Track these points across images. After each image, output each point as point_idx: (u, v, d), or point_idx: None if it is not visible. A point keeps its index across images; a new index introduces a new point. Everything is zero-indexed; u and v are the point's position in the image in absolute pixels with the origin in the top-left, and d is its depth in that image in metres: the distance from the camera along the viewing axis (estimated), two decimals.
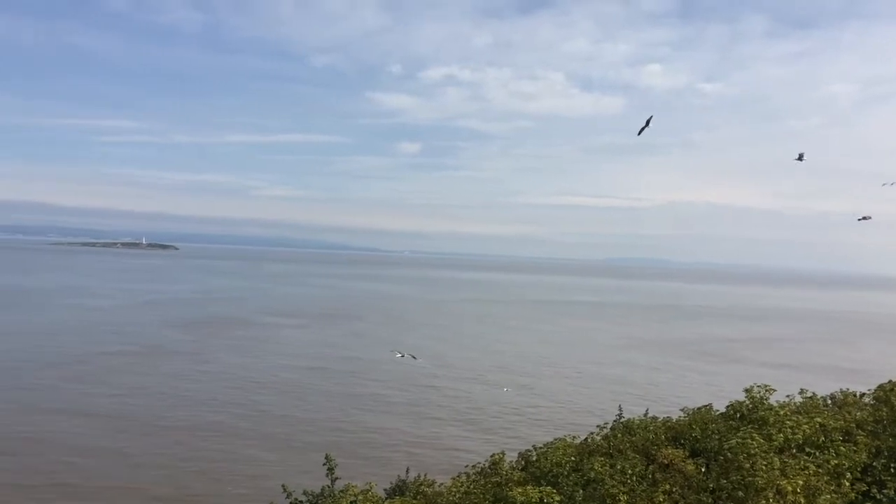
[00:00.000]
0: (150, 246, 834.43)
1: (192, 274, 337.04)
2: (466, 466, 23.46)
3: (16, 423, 58.37)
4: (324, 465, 18.33)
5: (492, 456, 23.40)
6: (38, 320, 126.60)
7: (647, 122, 34.61)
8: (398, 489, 23.53)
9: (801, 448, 18.73)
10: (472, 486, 20.82)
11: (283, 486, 17.82)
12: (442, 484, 22.77)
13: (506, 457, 23.43)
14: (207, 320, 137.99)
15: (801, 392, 24.69)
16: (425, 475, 23.34)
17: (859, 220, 43.43)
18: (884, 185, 44.32)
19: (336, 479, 18.28)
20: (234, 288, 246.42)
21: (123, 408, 65.35)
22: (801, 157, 41.81)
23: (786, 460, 17.33)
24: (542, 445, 23.56)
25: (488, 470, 22.92)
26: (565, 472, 19.35)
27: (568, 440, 23.26)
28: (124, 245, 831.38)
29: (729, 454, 17.73)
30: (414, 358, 79.15)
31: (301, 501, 18.04)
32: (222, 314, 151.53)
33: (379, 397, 76.24)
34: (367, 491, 18.01)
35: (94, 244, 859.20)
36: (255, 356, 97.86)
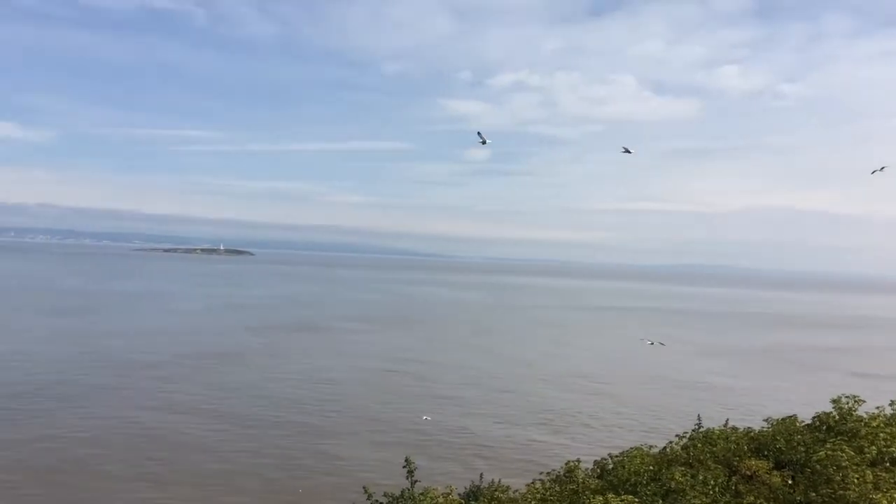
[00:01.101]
0: (228, 252, 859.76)
1: (267, 279, 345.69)
2: (541, 473, 23.29)
3: (110, 418, 61.07)
4: (403, 467, 18.56)
5: (567, 463, 23.14)
6: (129, 323, 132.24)
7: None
8: (472, 494, 23.54)
9: (894, 462, 17.96)
10: (548, 494, 20.68)
11: (364, 487, 18.10)
12: (517, 491, 22.70)
13: (581, 464, 23.19)
14: (283, 324, 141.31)
15: (892, 403, 23.64)
16: (499, 481, 23.30)
17: (873, 172, 42.66)
18: (874, 172, 43.10)
19: (416, 481, 18.47)
20: (307, 293, 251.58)
21: (209, 406, 67.72)
22: (882, 169, 40.91)
23: (879, 474, 16.64)
24: (618, 454, 23.26)
25: (563, 477, 22.70)
26: (644, 482, 19.05)
27: (645, 449, 22.87)
28: (203, 251, 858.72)
29: (817, 466, 17.13)
30: (662, 344, 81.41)
31: (381, 503, 18.29)
32: (297, 319, 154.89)
33: (454, 399, 76.60)
34: (448, 495, 18.15)
35: (175, 250, 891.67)
36: (330, 359, 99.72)
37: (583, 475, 22.13)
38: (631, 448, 23.13)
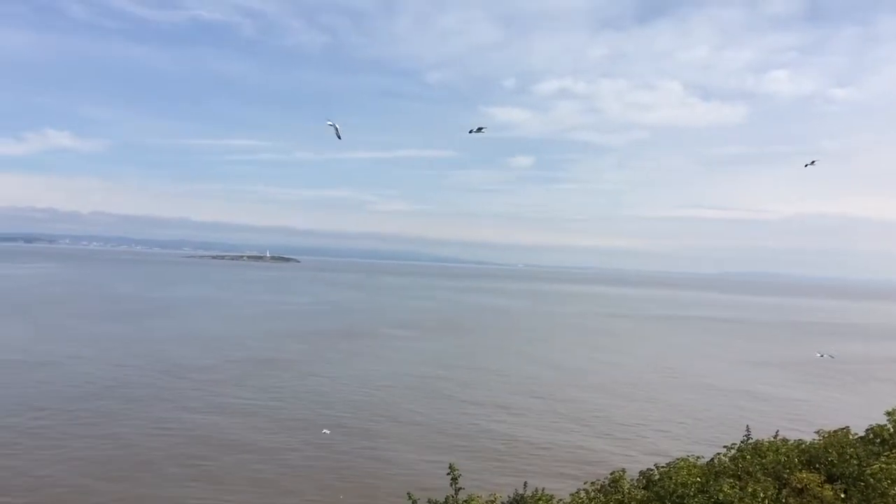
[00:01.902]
0: (274, 259, 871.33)
1: (312, 286, 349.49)
2: (585, 483, 23.13)
3: (166, 420, 62.56)
4: (448, 473, 18.58)
5: (612, 473, 22.95)
6: (180, 329, 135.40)
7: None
8: (516, 502, 23.46)
9: None
10: (592, 503, 20.53)
11: (408, 493, 18.18)
12: (561, 500, 22.54)
13: (626, 474, 22.95)
14: (330, 330, 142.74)
15: None
16: (543, 490, 23.19)
17: (806, 165, 43.43)
18: (806, 165, 43.36)
19: (460, 488, 18.49)
20: (352, 300, 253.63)
21: (259, 409, 68.99)
22: (812, 163, 41.67)
23: None
24: (664, 464, 22.98)
25: (608, 487, 22.51)
26: (691, 493, 18.78)
27: (692, 460, 22.56)
28: (250, 258, 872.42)
29: (871, 480, 16.71)
30: (832, 357, 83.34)
31: None
32: (343, 325, 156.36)
33: (500, 405, 76.47)
34: (492, 502, 18.11)
35: (222, 257, 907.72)
36: (376, 364, 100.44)
37: (628, 485, 21.91)
38: (677, 459, 22.81)
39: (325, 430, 61.39)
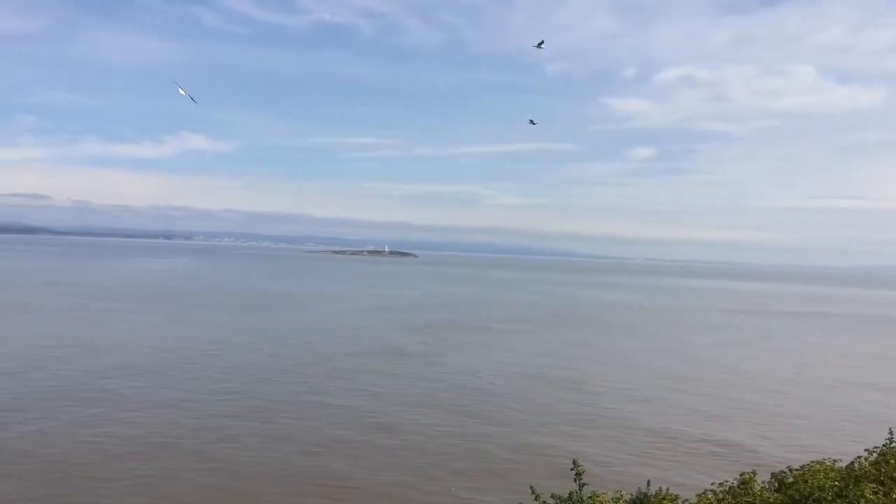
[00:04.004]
0: (392, 253, 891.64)
1: (428, 280, 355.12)
2: (712, 484, 22.46)
3: (285, 410, 65.41)
4: (571, 469, 18.55)
5: (741, 475, 22.17)
6: (297, 321, 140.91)
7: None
8: (639, 501, 23.06)
9: None
10: None
11: (531, 487, 18.29)
12: (686, 501, 22.01)
13: (756, 476, 22.11)
14: (444, 323, 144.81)
15: None
16: (668, 489, 22.68)
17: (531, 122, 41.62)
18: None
19: (584, 484, 18.41)
20: (466, 294, 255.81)
21: (364, 403, 70.51)
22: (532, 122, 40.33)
23: None
24: (797, 467, 22.01)
25: (738, 489, 21.75)
26: (828, 498, 17.89)
27: (828, 463, 21.48)
28: (369, 253, 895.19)
29: None
30: None
31: None
32: (455, 319, 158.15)
33: (612, 405, 74.96)
34: (618, 500, 17.94)
35: (343, 252, 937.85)
36: (491, 358, 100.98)
37: (759, 487, 21.12)
38: (812, 461, 21.81)
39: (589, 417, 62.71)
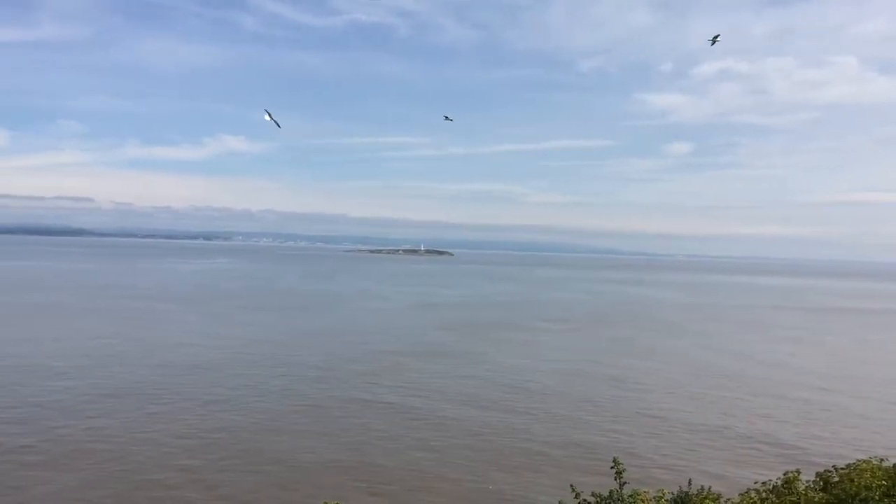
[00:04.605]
0: (428, 252, 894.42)
1: (465, 279, 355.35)
2: (756, 483, 22.26)
3: (326, 407, 66.20)
4: (611, 467, 18.55)
5: (785, 474, 21.95)
6: (341, 321, 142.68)
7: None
8: (680, 501, 22.96)
9: None
10: None
11: (571, 485, 18.33)
12: (728, 500, 21.86)
13: (801, 475, 21.85)
14: (481, 322, 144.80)
15: None
16: (709, 488, 22.55)
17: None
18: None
19: (624, 483, 18.40)
20: (503, 292, 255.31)
21: (409, 400, 71.16)
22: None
23: None
24: (843, 466, 21.71)
25: (781, 489, 21.53)
26: (876, 498, 17.66)
27: (875, 462, 21.14)
28: (405, 252, 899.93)
29: None
30: None
31: (589, 502, 18.43)
32: (492, 317, 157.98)
33: (653, 404, 74.21)
34: (660, 499, 17.89)
35: (379, 251, 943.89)
36: (529, 357, 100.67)
37: (804, 487, 20.88)
38: (859, 460, 21.50)
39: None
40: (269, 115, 36.70)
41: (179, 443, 53.85)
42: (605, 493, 18.27)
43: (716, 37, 34.95)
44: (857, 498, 17.99)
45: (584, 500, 18.23)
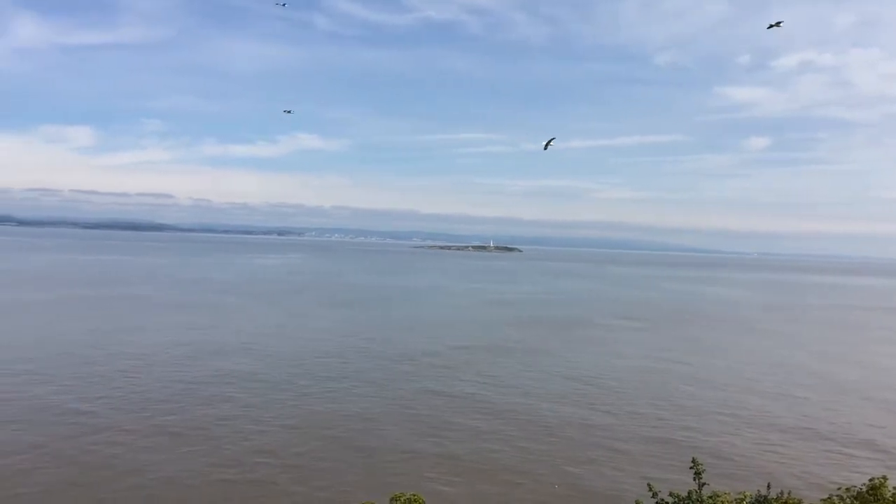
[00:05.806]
0: (497, 248, 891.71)
1: (534, 275, 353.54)
2: (839, 488, 21.82)
3: (399, 400, 67.14)
4: (690, 468, 18.53)
5: (871, 480, 21.43)
6: (415, 315, 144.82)
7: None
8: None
9: None
10: None
11: (648, 484, 18.40)
12: None
13: (887, 482, 21.29)
14: (550, 319, 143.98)
15: None
16: (789, 492, 22.25)
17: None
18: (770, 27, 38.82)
19: (703, 483, 18.36)
20: (573, 289, 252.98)
21: (484, 393, 72.01)
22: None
23: None
24: None
25: (866, 495, 21.03)
26: None
27: None
28: (474, 248, 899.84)
29: None
30: None
31: (667, 502, 18.45)
32: (564, 314, 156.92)
33: (732, 403, 72.56)
34: (741, 501, 17.80)
35: (448, 247, 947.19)
36: (600, 354, 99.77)
37: (891, 493, 20.35)
38: None
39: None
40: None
41: (279, 429, 56.70)
42: (684, 494, 18.24)
43: (777, 22, 34.37)
44: None
45: (662, 500, 18.25)
